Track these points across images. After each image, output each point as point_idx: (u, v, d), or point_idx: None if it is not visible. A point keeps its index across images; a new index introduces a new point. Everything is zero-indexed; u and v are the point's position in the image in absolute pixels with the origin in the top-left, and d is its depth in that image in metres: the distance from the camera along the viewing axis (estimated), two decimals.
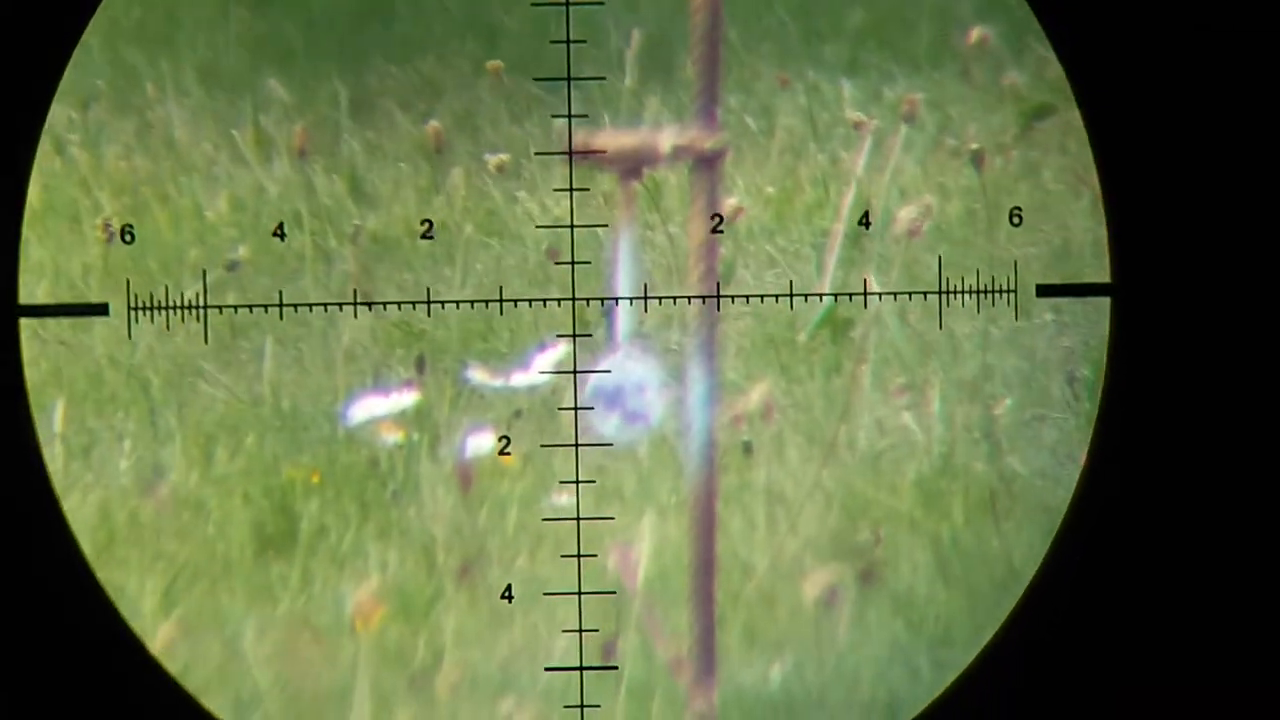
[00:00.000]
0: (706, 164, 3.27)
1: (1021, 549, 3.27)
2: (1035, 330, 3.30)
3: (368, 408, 3.28)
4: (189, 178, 3.38)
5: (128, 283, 3.19)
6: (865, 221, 3.33)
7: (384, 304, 3.20)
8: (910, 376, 3.29)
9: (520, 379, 3.29)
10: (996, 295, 3.22)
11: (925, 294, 3.22)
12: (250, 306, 3.20)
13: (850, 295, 3.24)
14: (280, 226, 3.13)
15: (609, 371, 3.23)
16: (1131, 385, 3.16)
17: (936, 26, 3.37)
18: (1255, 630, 3.11)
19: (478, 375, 3.29)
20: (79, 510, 3.25)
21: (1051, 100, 3.30)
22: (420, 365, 3.31)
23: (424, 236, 3.31)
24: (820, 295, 3.23)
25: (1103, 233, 3.22)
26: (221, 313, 3.21)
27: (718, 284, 3.24)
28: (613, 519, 3.21)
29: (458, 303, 3.14)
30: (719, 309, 3.25)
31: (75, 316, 3.16)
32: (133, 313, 3.19)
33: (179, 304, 3.20)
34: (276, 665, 3.22)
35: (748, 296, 3.21)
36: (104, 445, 3.27)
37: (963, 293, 3.23)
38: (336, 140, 3.38)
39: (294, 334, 3.32)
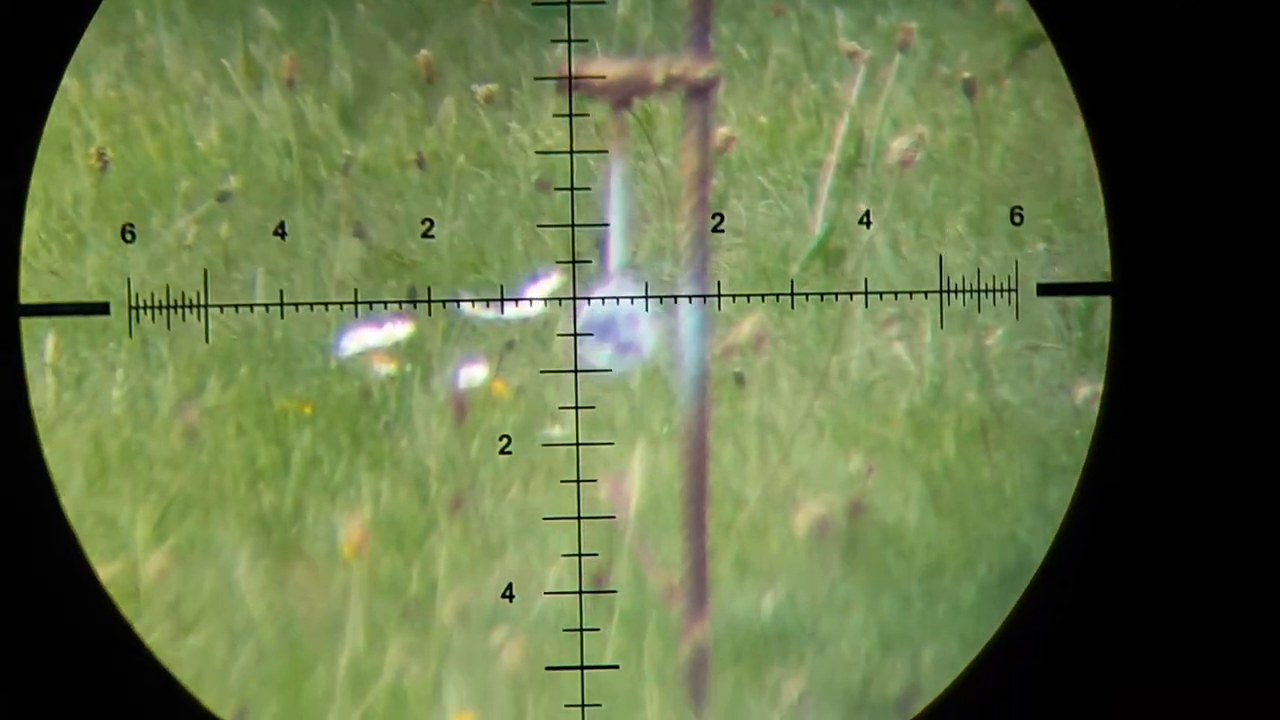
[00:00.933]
0: (699, 93, 3.26)
1: (1013, 478, 3.28)
2: (1027, 260, 3.29)
3: (360, 339, 3.27)
4: (179, 107, 3.36)
5: (128, 282, 3.19)
6: (858, 151, 3.32)
7: (382, 303, 3.20)
8: (902, 307, 3.29)
9: (513, 311, 3.28)
10: (997, 294, 3.22)
11: (926, 293, 3.23)
12: (251, 305, 3.20)
13: (852, 294, 3.24)
14: (281, 225, 3.13)
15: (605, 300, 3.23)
16: (1133, 384, 3.16)
17: None
18: (1256, 630, 3.12)
19: (470, 306, 3.29)
20: (71, 441, 3.25)
21: (1043, 29, 3.29)
22: (412, 296, 3.31)
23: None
24: (834, 295, 3.23)
25: (1094, 163, 3.22)
26: (223, 311, 3.21)
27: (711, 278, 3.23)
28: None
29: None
30: (709, 245, 3.25)
31: (77, 316, 3.15)
32: (133, 312, 3.18)
33: (179, 303, 3.20)
34: (269, 595, 3.23)
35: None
36: (96, 375, 3.27)
37: (964, 292, 3.23)
38: (327, 69, 3.36)
39: (285, 265, 3.31)
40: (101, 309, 3.18)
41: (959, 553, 3.26)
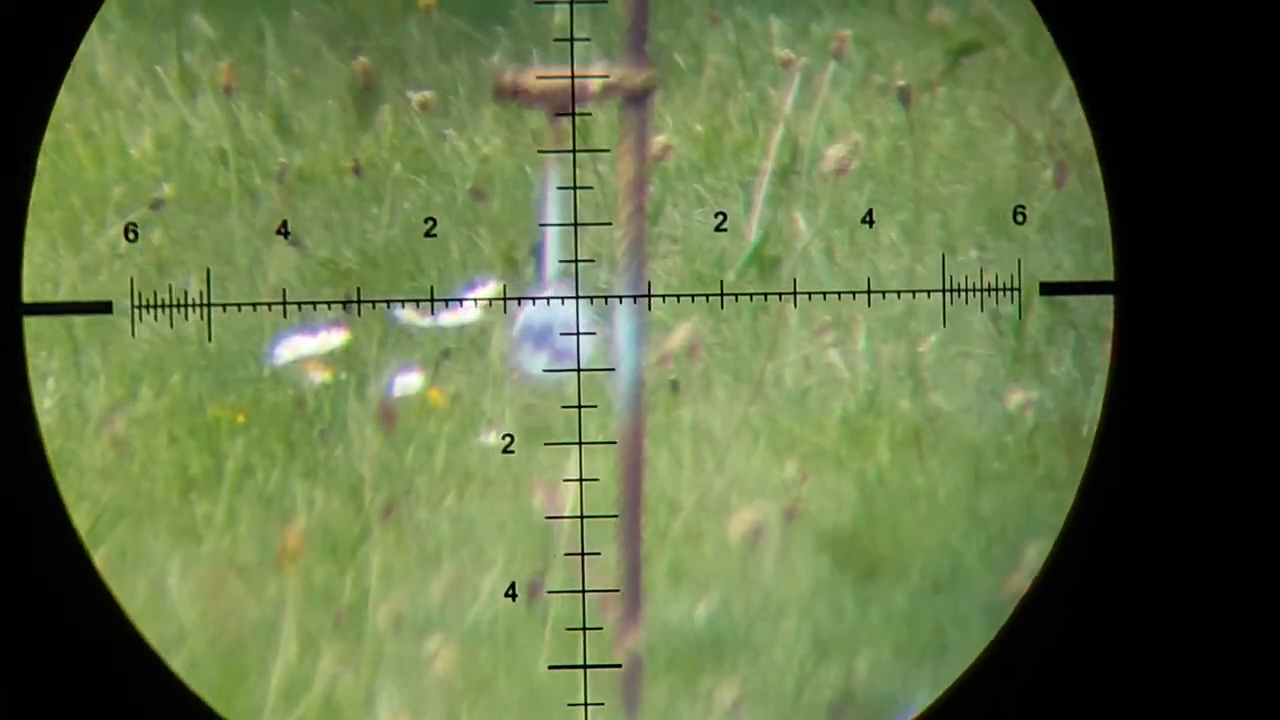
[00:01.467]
0: (636, 101, 3.26)
1: (946, 485, 3.30)
2: (959, 267, 3.31)
3: (294, 347, 3.26)
4: (112, 114, 3.34)
5: (131, 281, 3.17)
6: (793, 159, 3.34)
7: (385, 302, 3.19)
8: (836, 314, 3.30)
9: (449, 318, 3.28)
10: (1000, 294, 3.23)
11: (929, 293, 3.24)
12: (254, 305, 3.19)
13: (855, 294, 3.24)
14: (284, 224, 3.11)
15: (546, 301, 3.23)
16: (1135, 382, 3.18)
17: None
18: (1256, 630, 3.14)
19: (406, 314, 3.28)
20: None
21: (978, 36, 3.31)
22: (348, 304, 3.30)
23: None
24: (833, 294, 3.24)
25: (1029, 168, 3.23)
26: (225, 310, 3.20)
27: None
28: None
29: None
30: (646, 248, 3.26)
31: (79, 315, 3.14)
32: (136, 311, 3.17)
33: (183, 302, 3.18)
34: (202, 603, 3.22)
35: (797, 293, 3.22)
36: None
37: (966, 291, 3.24)
38: (262, 77, 3.35)
39: (220, 272, 3.30)
40: (104, 308, 3.16)
41: (892, 559, 3.27)
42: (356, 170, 3.34)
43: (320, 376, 3.27)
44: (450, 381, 3.28)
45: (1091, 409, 3.28)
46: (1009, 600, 3.24)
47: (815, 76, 3.34)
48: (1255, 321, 3.17)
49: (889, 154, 3.35)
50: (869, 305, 3.24)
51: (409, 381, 3.28)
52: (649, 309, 3.24)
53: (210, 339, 3.19)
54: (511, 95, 3.23)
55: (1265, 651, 3.13)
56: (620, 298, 3.23)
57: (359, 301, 3.18)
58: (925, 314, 3.29)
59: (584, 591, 3.21)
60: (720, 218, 3.30)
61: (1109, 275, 3.22)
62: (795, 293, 3.28)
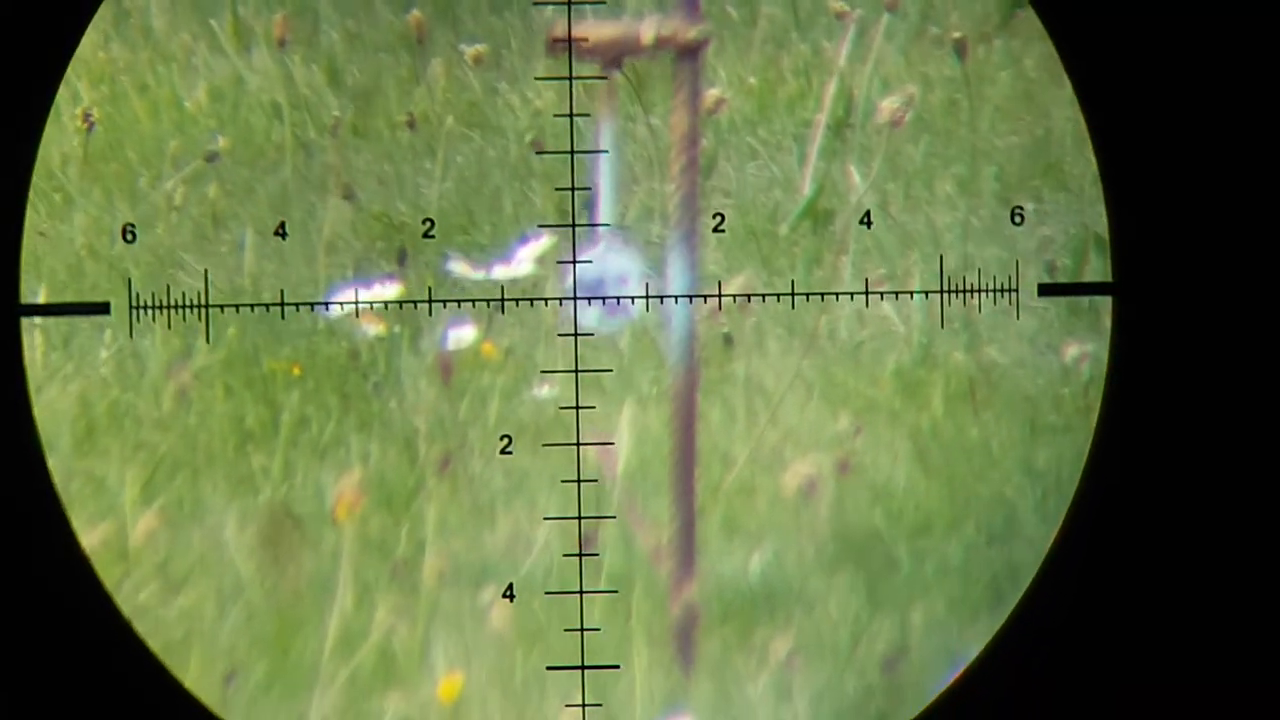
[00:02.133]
0: (689, 54, 3.25)
1: (1000, 438, 3.29)
2: (1011, 226, 3.30)
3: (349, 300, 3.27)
4: (167, 67, 3.35)
5: (129, 283, 3.18)
6: (847, 112, 3.32)
7: (399, 304, 3.20)
8: (890, 267, 3.29)
9: (502, 271, 3.28)
10: (999, 294, 3.22)
11: (926, 293, 3.23)
12: (252, 306, 3.20)
13: (863, 294, 3.24)
14: (282, 226, 3.12)
15: (589, 262, 3.24)
16: (1134, 384, 3.16)
17: None
18: (1257, 629, 3.13)
19: (459, 267, 3.29)
20: (58, 402, 3.25)
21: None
22: (401, 257, 3.31)
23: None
24: (852, 293, 3.23)
25: (1083, 124, 3.22)
26: (224, 311, 3.21)
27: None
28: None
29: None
30: (699, 205, 3.25)
31: (77, 315, 3.16)
32: (134, 312, 3.18)
33: (180, 303, 3.20)
34: (258, 556, 3.24)
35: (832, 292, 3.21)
36: (84, 335, 3.27)
37: (964, 291, 3.23)
38: (315, 30, 3.35)
39: (274, 225, 3.31)
40: (102, 309, 3.18)
41: (946, 512, 3.27)
42: (410, 124, 3.34)
43: (374, 329, 3.28)
44: (504, 335, 3.29)
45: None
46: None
47: (870, 29, 3.33)
48: (1255, 323, 3.14)
49: (944, 106, 3.33)
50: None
51: (463, 334, 3.29)
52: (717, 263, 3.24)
53: (208, 340, 3.20)
54: (564, 49, 3.23)
55: (1266, 651, 3.12)
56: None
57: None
58: (979, 268, 3.28)
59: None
60: (775, 171, 3.29)
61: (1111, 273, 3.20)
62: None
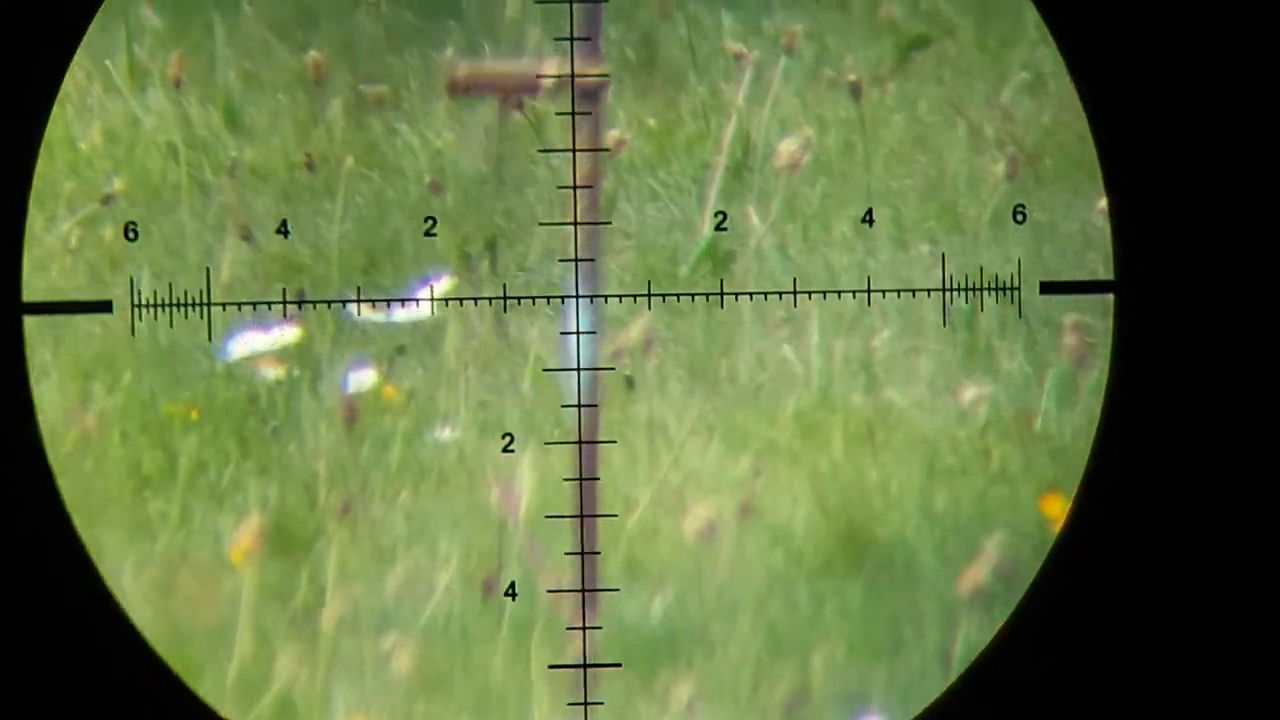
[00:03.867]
0: (589, 96, 3.25)
1: (899, 479, 3.30)
2: (912, 262, 3.32)
3: (247, 343, 3.24)
4: (61, 108, 3.31)
5: (131, 280, 3.14)
6: (745, 154, 3.33)
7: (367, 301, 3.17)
8: (790, 309, 3.30)
9: (403, 314, 3.26)
10: (1000, 293, 3.24)
11: (929, 291, 3.24)
12: (254, 303, 3.16)
13: (855, 294, 3.24)
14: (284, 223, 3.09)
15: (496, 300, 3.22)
16: (1136, 382, 3.18)
17: None
18: (1256, 629, 3.15)
19: (359, 310, 3.26)
20: None
21: (927, 31, 3.31)
22: (300, 299, 3.28)
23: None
24: (825, 293, 3.23)
25: (980, 162, 3.24)
26: (225, 309, 3.17)
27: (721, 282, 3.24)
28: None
29: None
30: (601, 245, 3.25)
31: (79, 314, 3.11)
32: (136, 310, 3.14)
33: (183, 301, 3.15)
34: (156, 602, 3.19)
35: (752, 294, 3.22)
36: None
37: (965, 290, 3.24)
38: (212, 70, 3.32)
39: (170, 267, 3.27)
40: (104, 307, 3.13)
41: (846, 555, 3.27)
42: (309, 165, 3.31)
43: (273, 372, 3.25)
44: (405, 378, 3.26)
45: (1044, 404, 3.29)
46: (965, 596, 3.25)
47: (767, 71, 3.34)
48: (1256, 320, 3.17)
49: (840, 149, 3.35)
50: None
51: (363, 378, 3.26)
52: (618, 304, 3.23)
53: (210, 339, 3.17)
54: (464, 90, 3.21)
55: (1266, 651, 3.14)
56: (635, 298, 3.22)
57: (359, 300, 3.16)
58: (878, 309, 3.29)
59: (584, 590, 3.20)
60: (674, 213, 3.30)
61: (1102, 273, 3.23)
62: (810, 292, 3.27)
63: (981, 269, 3.28)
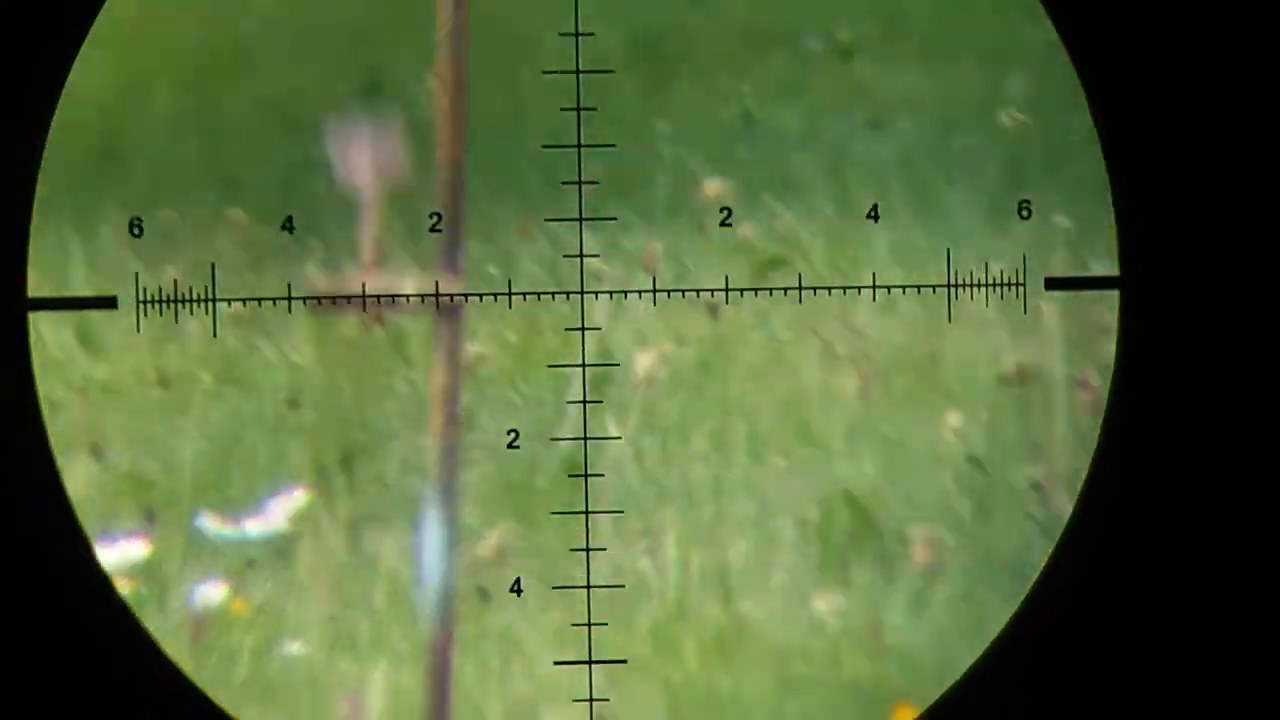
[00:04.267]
0: (449, 311, 3.28)
1: (752, 690, 3.32)
2: (767, 475, 3.35)
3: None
4: None
5: (136, 276, 3.12)
6: (605, 367, 3.37)
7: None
8: (647, 521, 3.33)
9: (254, 527, 3.26)
10: (1005, 289, 3.25)
11: (934, 288, 3.25)
12: (259, 300, 3.13)
13: (853, 290, 3.23)
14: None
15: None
16: (1140, 380, 3.17)
17: (673, 180, 3.44)
18: (1257, 628, 3.13)
19: (210, 524, 3.26)
20: None
21: (782, 253, 3.37)
22: (150, 516, 3.27)
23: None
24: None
25: (833, 381, 3.29)
26: (230, 305, 3.14)
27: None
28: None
29: None
30: (457, 456, 3.27)
31: (84, 310, 3.08)
32: (141, 306, 3.12)
33: (188, 297, 3.13)
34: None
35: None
36: None
37: (971, 286, 3.25)
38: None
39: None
40: (109, 303, 3.10)
41: None
42: (163, 382, 3.32)
43: (124, 586, 3.24)
44: (257, 591, 3.26)
45: (893, 617, 3.33)
46: None
47: (625, 287, 3.39)
48: (1262, 317, 3.17)
49: (697, 365, 3.39)
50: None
51: (210, 593, 3.26)
52: (475, 515, 3.24)
53: (215, 335, 3.15)
54: (329, 301, 3.24)
55: (1266, 651, 3.13)
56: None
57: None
58: (733, 522, 3.33)
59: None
60: (532, 421, 3.33)
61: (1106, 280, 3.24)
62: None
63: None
